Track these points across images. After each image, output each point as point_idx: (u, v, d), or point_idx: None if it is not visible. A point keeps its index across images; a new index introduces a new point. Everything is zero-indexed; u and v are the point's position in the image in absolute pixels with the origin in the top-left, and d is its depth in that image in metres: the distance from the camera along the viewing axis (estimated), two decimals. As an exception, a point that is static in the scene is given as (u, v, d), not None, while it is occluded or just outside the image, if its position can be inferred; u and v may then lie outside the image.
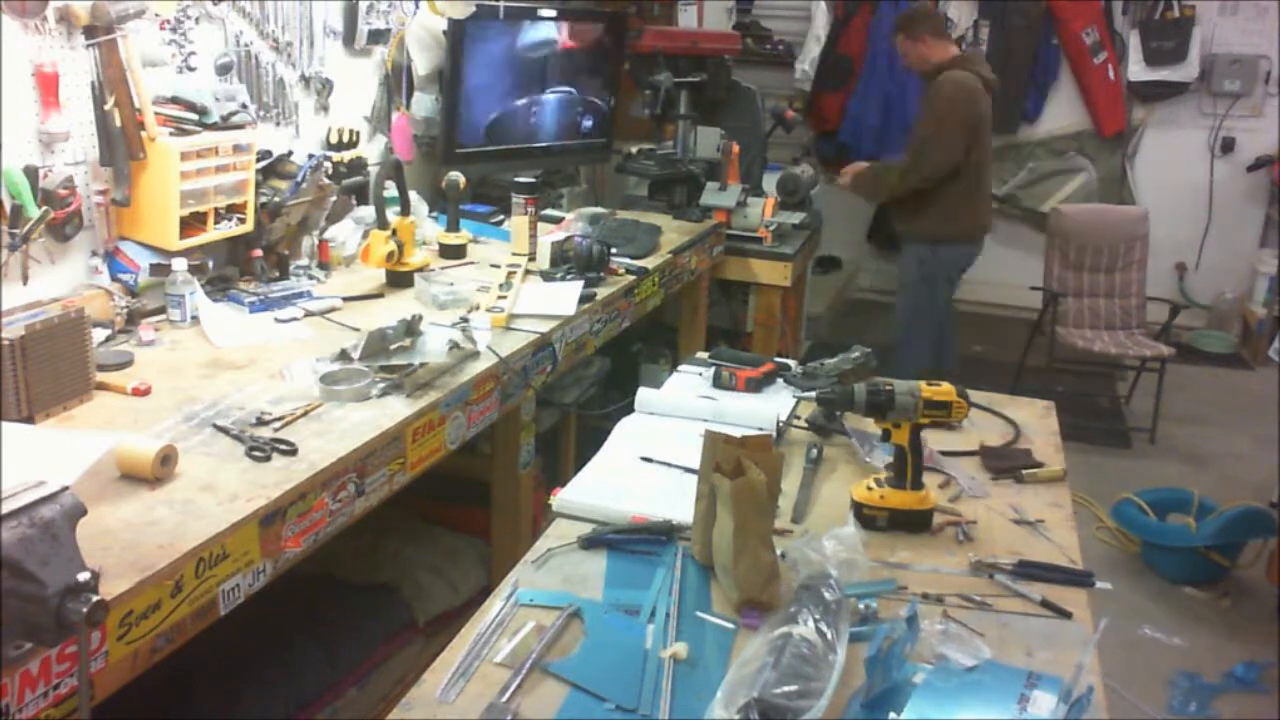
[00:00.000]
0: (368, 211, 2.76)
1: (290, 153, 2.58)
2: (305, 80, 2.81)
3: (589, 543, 1.55)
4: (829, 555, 1.39)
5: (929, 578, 1.51)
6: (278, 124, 2.72)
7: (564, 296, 2.58)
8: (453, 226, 2.97)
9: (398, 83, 3.20)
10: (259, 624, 1.99)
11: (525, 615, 1.37)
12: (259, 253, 2.48)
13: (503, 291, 2.52)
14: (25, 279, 2.03)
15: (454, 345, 2.09)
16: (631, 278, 2.92)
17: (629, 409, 2.07)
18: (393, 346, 2.07)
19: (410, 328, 2.11)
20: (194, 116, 2.28)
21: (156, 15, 2.26)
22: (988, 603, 1.45)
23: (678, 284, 3.35)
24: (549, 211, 3.47)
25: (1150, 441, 4.60)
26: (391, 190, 2.67)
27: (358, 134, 2.96)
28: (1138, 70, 5.81)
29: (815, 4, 5.81)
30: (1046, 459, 1.94)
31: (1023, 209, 6.18)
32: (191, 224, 2.26)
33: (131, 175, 2.17)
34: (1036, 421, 2.10)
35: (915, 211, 4.00)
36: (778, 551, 1.43)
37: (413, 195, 2.84)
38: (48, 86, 2.02)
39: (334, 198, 2.67)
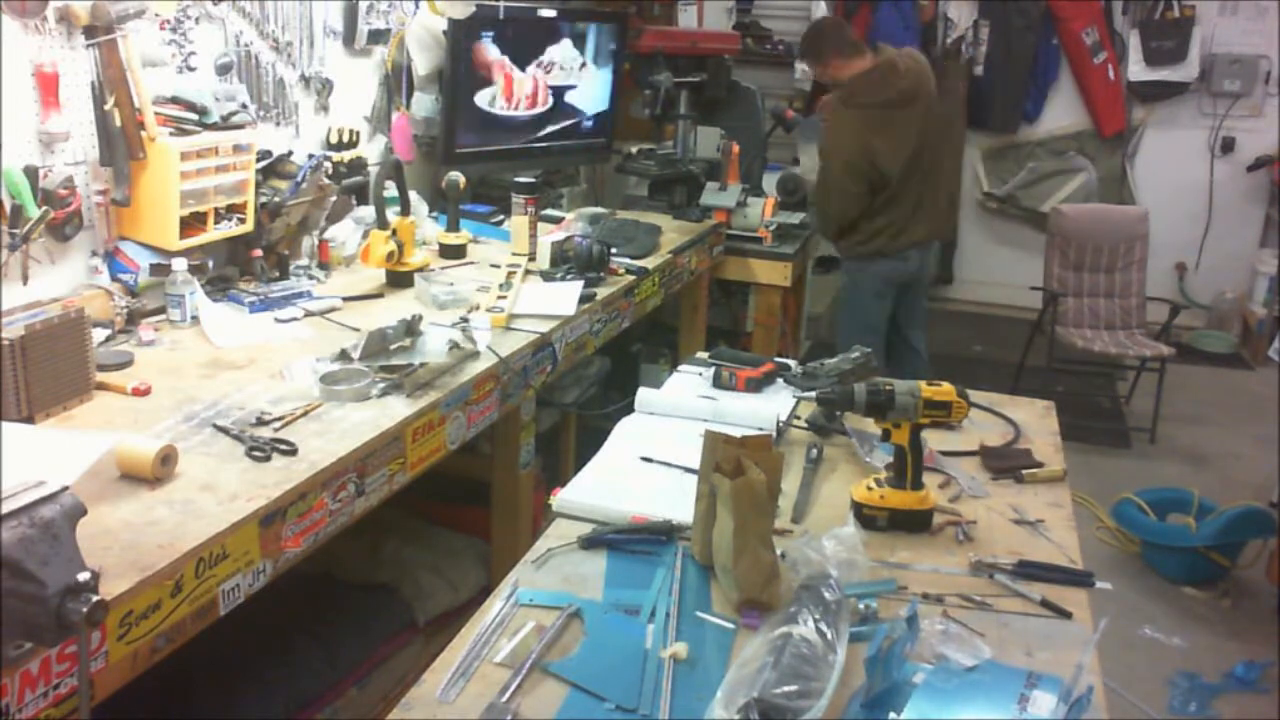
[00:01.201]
0: (368, 211, 2.76)
1: (290, 153, 2.58)
2: (305, 80, 2.81)
3: (589, 543, 1.55)
4: (829, 555, 1.39)
5: (929, 578, 1.51)
6: (278, 124, 2.72)
7: (564, 296, 2.58)
8: (453, 226, 2.97)
9: (398, 83, 3.20)
10: (259, 624, 1.99)
11: (525, 615, 1.37)
12: (259, 253, 2.48)
13: (503, 291, 2.52)
14: (25, 279, 2.03)
15: (454, 345, 2.09)
16: (631, 278, 2.92)
17: (629, 409, 2.07)
18: (393, 346, 2.07)
19: (410, 328, 2.11)
20: (194, 116, 2.28)
21: (156, 15, 2.26)
22: (988, 603, 1.45)
23: (678, 284, 3.35)
24: (549, 211, 3.47)
25: (1150, 441, 4.60)
26: (391, 190, 2.67)
27: (358, 134, 2.96)
28: (1138, 70, 5.82)
29: (815, 4, 5.81)
30: (1046, 459, 1.94)
31: (1023, 209, 6.18)
32: (191, 224, 2.26)
33: (131, 175, 2.17)
34: (1036, 421, 2.10)
35: (839, 231, 3.75)
36: (778, 551, 1.44)
37: (413, 195, 2.84)
38: (48, 86, 2.02)
39: (334, 198, 2.67)
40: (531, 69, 3.50)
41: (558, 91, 3.65)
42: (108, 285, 2.15)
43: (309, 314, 2.36)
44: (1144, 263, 4.82)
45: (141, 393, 1.85)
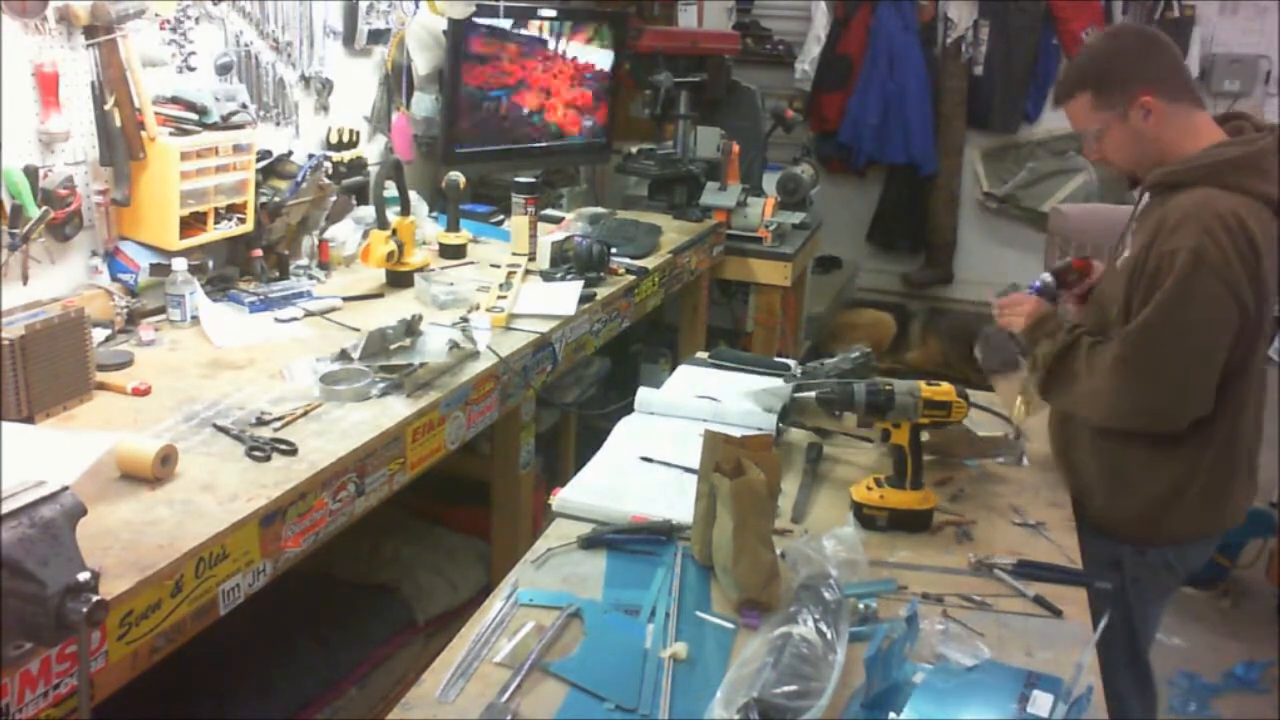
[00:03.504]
0: (368, 211, 2.75)
1: (290, 153, 2.58)
2: (305, 80, 2.81)
3: (589, 543, 1.55)
4: (829, 555, 1.40)
5: (929, 578, 1.51)
6: (278, 124, 2.72)
7: (564, 296, 2.58)
8: (453, 226, 2.97)
9: (398, 83, 3.20)
10: (259, 624, 1.99)
11: (525, 615, 1.38)
12: (259, 253, 2.48)
13: (503, 291, 2.52)
14: (25, 279, 2.03)
15: (454, 345, 2.09)
16: (631, 278, 2.92)
17: (629, 409, 2.07)
18: (393, 346, 2.07)
19: (410, 328, 2.11)
20: (194, 116, 2.28)
21: (156, 15, 2.26)
22: (988, 603, 1.45)
23: (678, 284, 3.35)
24: (549, 211, 3.47)
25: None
26: (391, 190, 2.67)
27: (358, 134, 2.96)
28: (1138, 70, 5.79)
29: (815, 4, 5.80)
30: (1046, 460, 1.94)
31: (1023, 209, 6.18)
32: (191, 224, 2.26)
33: (131, 175, 2.17)
34: (1037, 421, 2.09)
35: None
36: (778, 551, 1.44)
37: (413, 195, 2.84)
38: (48, 86, 2.02)
39: (334, 198, 2.67)
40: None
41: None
42: (108, 285, 2.15)
43: (309, 314, 2.36)
44: (1144, 263, 4.80)
45: (141, 393, 1.85)
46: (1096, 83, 1.80)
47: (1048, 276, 2.06)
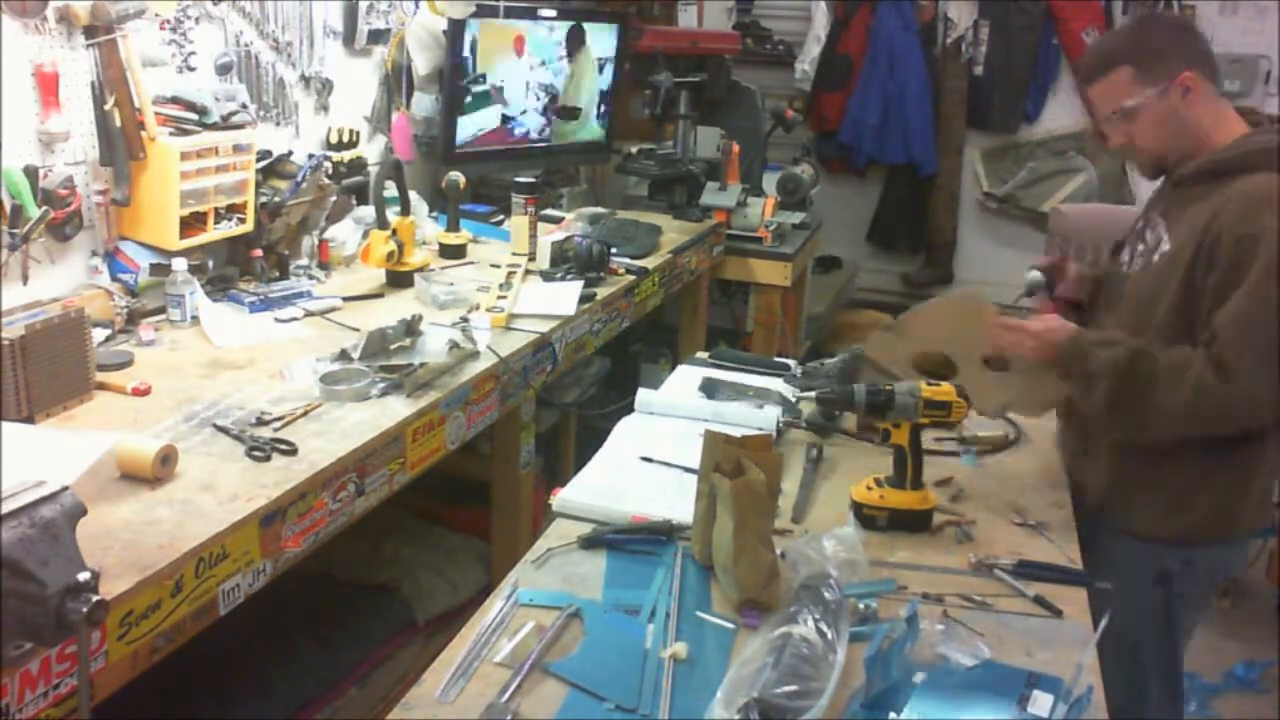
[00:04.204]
0: (368, 211, 2.75)
1: (290, 153, 2.58)
2: (305, 80, 2.81)
3: (589, 543, 1.55)
4: (829, 555, 1.40)
5: (929, 578, 1.51)
6: (278, 124, 2.72)
7: (564, 296, 2.58)
8: (453, 226, 2.97)
9: (398, 83, 3.20)
10: (259, 624, 1.99)
11: (525, 615, 1.38)
12: (259, 253, 2.48)
13: (503, 291, 2.52)
14: (25, 279, 2.03)
15: (454, 345, 2.09)
16: (631, 278, 2.92)
17: (629, 409, 2.07)
18: (393, 346, 2.07)
19: (410, 328, 2.11)
20: (194, 116, 2.28)
21: (156, 15, 2.26)
22: (988, 603, 1.45)
23: (678, 284, 3.35)
24: (549, 211, 3.46)
25: (1150, 441, 4.58)
26: (391, 190, 2.67)
27: (358, 134, 2.96)
28: (1138, 70, 5.79)
29: (815, 4, 5.80)
30: (1046, 460, 1.94)
31: (1023, 209, 6.18)
32: (191, 224, 2.26)
33: (131, 175, 2.16)
34: (1037, 421, 2.10)
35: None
36: (778, 551, 1.44)
37: (413, 195, 2.84)
38: (48, 86, 2.02)
39: (334, 198, 2.67)
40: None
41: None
42: (108, 285, 2.15)
43: (309, 314, 2.36)
44: (1144, 263, 4.80)
45: (141, 393, 1.85)
46: (1139, 57, 1.75)
47: (1038, 274, 2.02)
